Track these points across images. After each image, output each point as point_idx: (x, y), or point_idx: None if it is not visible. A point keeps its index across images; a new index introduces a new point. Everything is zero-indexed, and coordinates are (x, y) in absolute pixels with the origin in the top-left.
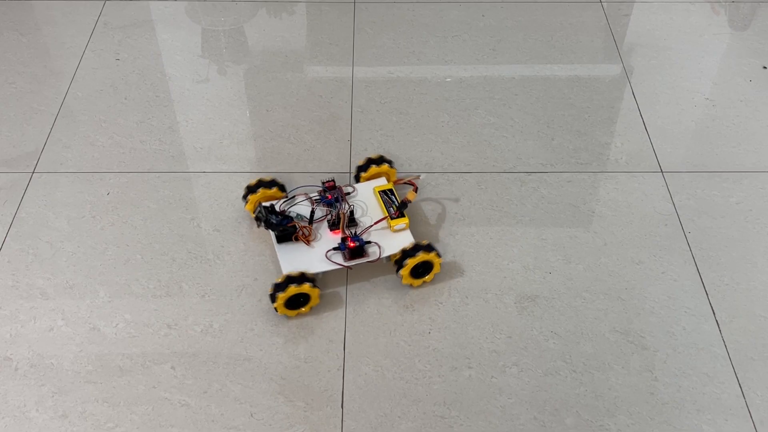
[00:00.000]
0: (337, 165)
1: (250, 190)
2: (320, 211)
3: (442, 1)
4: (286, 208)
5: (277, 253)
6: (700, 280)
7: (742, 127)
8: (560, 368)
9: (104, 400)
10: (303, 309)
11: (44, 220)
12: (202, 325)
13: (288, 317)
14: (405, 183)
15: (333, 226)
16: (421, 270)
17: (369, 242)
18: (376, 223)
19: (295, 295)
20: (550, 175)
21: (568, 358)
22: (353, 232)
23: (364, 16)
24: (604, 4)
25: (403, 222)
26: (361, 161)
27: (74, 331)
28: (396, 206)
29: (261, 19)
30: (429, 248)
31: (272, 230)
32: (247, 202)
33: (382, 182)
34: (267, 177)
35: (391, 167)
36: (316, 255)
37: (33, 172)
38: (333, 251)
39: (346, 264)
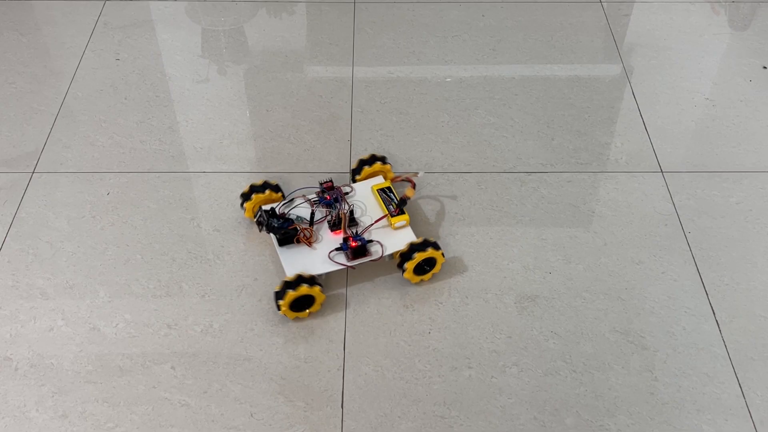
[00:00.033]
0: (337, 165)
1: (245, 197)
2: (319, 213)
3: (442, 1)
4: (286, 211)
5: (280, 257)
6: (700, 280)
7: (742, 127)
8: (560, 368)
9: (104, 400)
10: (303, 313)
11: (44, 220)
12: (202, 325)
13: (288, 318)
14: (403, 180)
15: (333, 226)
16: (425, 267)
17: (371, 241)
18: (376, 221)
19: (302, 297)
20: (550, 175)
21: (568, 358)
22: (354, 231)
23: (364, 16)
24: (604, 4)
25: (403, 219)
26: (354, 164)
27: (74, 331)
28: (396, 204)
29: (261, 19)
30: (436, 246)
31: (274, 233)
32: (245, 210)
33: (379, 181)
34: (258, 181)
35: (384, 164)
36: (318, 256)
37: (33, 172)
38: (335, 252)
39: (349, 264)
